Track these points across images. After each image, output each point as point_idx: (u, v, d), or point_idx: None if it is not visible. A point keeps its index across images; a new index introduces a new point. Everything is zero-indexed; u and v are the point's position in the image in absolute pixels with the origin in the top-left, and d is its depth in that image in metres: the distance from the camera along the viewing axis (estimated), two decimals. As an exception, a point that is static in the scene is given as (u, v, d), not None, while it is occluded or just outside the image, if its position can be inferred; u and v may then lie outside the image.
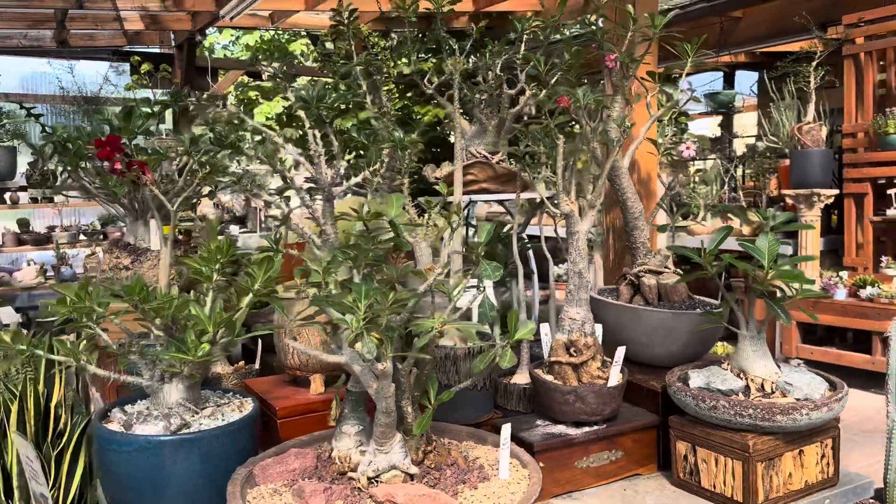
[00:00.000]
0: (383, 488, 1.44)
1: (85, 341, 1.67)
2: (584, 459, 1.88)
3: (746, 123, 11.26)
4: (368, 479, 1.48)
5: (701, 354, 2.15)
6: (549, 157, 1.87)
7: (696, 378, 1.86)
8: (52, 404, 2.80)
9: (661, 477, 1.97)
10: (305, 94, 1.80)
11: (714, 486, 1.81)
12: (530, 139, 1.83)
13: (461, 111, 2.67)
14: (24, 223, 6.86)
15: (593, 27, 2.07)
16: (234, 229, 6.94)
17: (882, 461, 1.89)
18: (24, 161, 5.77)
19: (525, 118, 2.64)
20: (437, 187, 2.15)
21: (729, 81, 9.84)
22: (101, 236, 6.90)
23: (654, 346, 2.06)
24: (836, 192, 5.62)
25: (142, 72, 7.25)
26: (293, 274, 2.11)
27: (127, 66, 8.37)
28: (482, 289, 1.76)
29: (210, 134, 2.22)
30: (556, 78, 2.17)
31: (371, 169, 1.98)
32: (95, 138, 2.00)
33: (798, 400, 1.76)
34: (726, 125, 10.50)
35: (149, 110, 2.43)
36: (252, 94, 7.91)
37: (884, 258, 5.58)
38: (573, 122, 2.10)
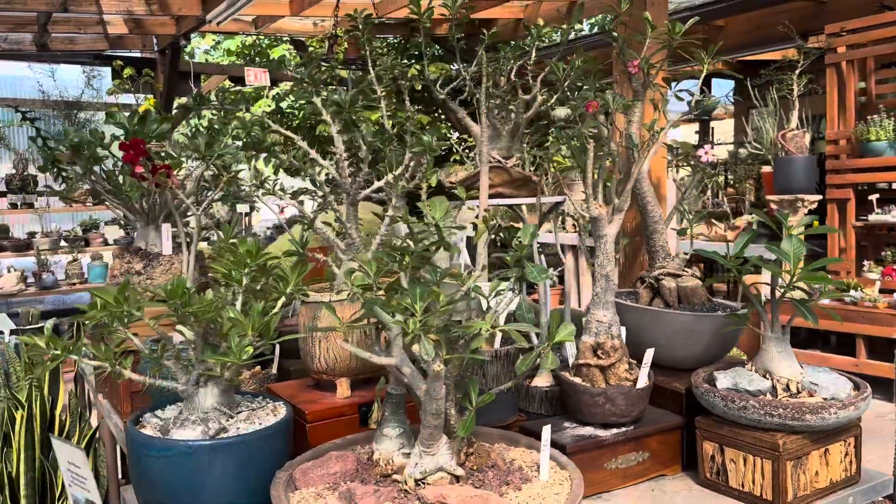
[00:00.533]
0: (433, 490, 1.44)
1: (117, 345, 1.65)
2: (612, 461, 1.90)
3: (722, 131, 11.42)
4: (415, 481, 1.48)
5: (720, 356, 2.18)
6: (579, 161, 1.89)
7: (723, 379, 1.89)
8: (57, 411, 2.76)
9: (686, 477, 1.99)
10: (339, 98, 1.80)
11: (742, 485, 1.84)
12: (560, 144, 1.85)
13: (468, 116, 2.69)
14: (3, 229, 6.75)
15: (614, 33, 2.09)
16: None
17: (886, 458, 1.93)
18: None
19: (534, 123, 2.67)
20: (454, 192, 2.17)
21: (706, 89, 9.99)
22: (83, 242, 6.81)
23: (676, 349, 2.09)
24: (819, 197, 5.73)
25: (124, 76, 7.18)
26: (313, 277, 2.11)
27: (102, 71, 8.29)
28: (517, 291, 1.77)
29: (230, 138, 2.22)
30: (570, 83, 2.21)
31: (395, 173, 1.99)
32: (120, 142, 1.98)
33: (825, 399, 1.80)
34: (704, 132, 10.64)
35: (163, 114, 2.42)
36: (233, 95, 7.83)
37: (866, 262, 5.70)
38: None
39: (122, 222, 6.94)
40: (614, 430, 1.91)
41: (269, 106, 9.25)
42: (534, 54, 2.52)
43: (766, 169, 6.21)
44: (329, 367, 2.00)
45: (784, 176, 5.71)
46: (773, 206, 5.81)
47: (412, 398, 1.61)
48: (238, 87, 8.59)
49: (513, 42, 2.54)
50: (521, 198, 2.54)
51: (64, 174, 2.60)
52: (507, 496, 1.50)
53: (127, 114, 2.45)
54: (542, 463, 1.60)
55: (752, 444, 1.81)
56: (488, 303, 1.62)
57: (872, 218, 5.65)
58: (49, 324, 1.65)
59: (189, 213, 2.62)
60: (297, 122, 8.88)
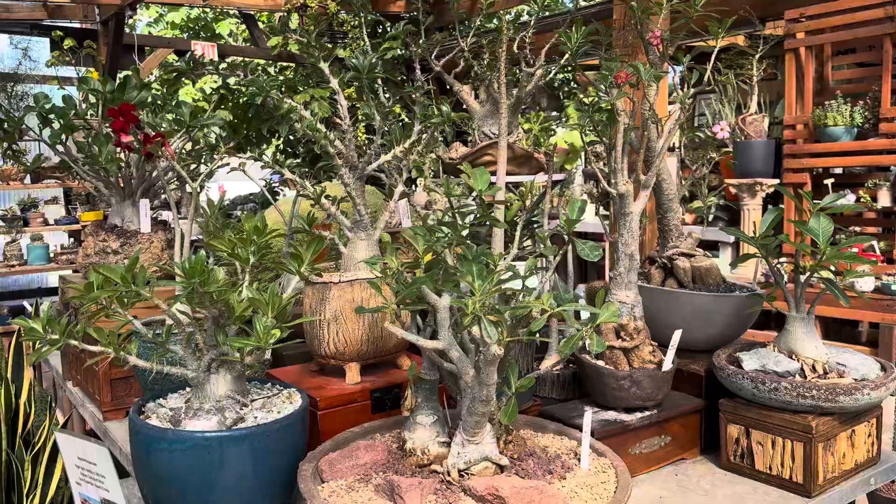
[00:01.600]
0: (482, 481, 1.35)
1: (120, 329, 1.50)
2: (637, 446, 1.84)
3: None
4: (459, 471, 1.39)
5: (736, 338, 2.14)
6: (605, 135, 1.80)
7: (749, 361, 1.85)
8: (22, 400, 2.57)
9: (705, 461, 1.95)
10: (357, 62, 1.67)
11: (770, 468, 1.80)
12: (586, 117, 1.76)
13: (464, 90, 2.59)
14: (-64, 208, 6.36)
15: (632, 2, 2.01)
16: (167, 215, 6.63)
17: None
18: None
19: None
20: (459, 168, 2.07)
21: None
22: (22, 222, 6.47)
23: (693, 330, 2.04)
24: (777, 181, 5.81)
25: (64, 48, 6.82)
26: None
27: (31, 43, 7.86)
28: (551, 269, 1.69)
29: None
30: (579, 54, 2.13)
31: (406, 145, 1.87)
32: (110, 108, 1.81)
33: (856, 380, 1.77)
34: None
35: (143, 80, 2.24)
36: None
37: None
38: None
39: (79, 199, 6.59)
40: (639, 415, 1.85)
41: (216, 82, 8.94)
42: (531, 30, 2.44)
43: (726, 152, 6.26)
44: (338, 351, 1.89)
45: (743, 160, 5.77)
46: (732, 189, 5.87)
47: (447, 384, 1.51)
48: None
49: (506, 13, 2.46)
50: (522, 175, 2.46)
51: (14, 149, 2.40)
52: (554, 486, 1.42)
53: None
54: (583, 451, 1.53)
55: (783, 427, 1.76)
56: (524, 282, 1.53)
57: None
58: (46, 306, 1.49)
59: (171, 188, 2.45)
60: (244, 98, 8.61)
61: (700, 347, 2.08)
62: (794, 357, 1.84)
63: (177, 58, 8.26)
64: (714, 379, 1.96)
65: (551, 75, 2.45)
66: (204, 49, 7.57)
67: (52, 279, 7.84)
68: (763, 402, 1.80)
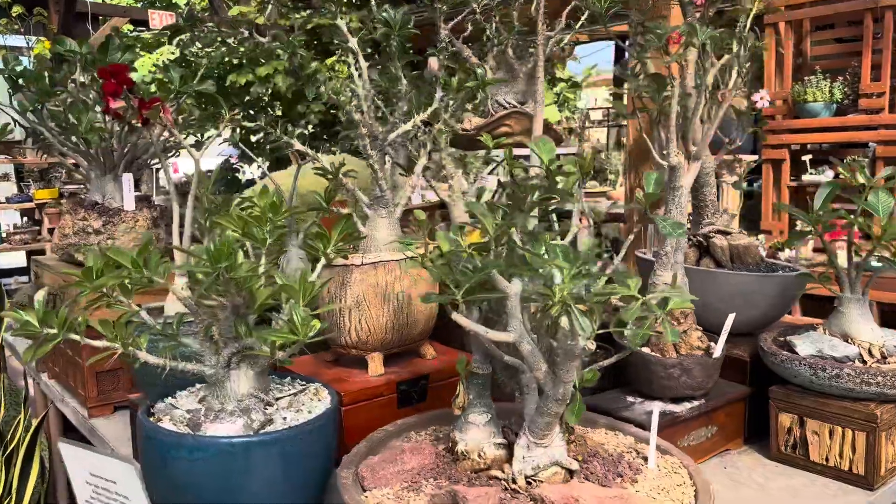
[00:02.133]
0: (554, 489, 1.20)
1: (128, 322, 1.31)
2: (685, 438, 1.71)
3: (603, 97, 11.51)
4: (526, 478, 1.23)
5: (776, 320, 2.02)
6: (656, 99, 1.65)
7: (804, 345, 1.73)
8: (-9, 397, 2.34)
9: (752, 452, 1.83)
10: (389, 15, 1.49)
11: (827, 460, 1.69)
12: (637, 83, 1.61)
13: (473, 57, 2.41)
14: None
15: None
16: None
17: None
18: None
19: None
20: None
21: (620, 52, 9.96)
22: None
23: (731, 312, 1.91)
24: (756, 157, 5.75)
25: (13, 15, 6.43)
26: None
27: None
28: (623, 251, 1.54)
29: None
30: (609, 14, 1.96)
31: (428, 112, 1.70)
32: (100, 68, 1.59)
33: (920, 365, 1.66)
34: (620, 95, 10.66)
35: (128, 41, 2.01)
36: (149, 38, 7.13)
37: (798, 222, 5.77)
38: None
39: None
40: (687, 405, 1.72)
41: (173, 53, 8.57)
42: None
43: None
44: (361, 340, 1.71)
45: (723, 136, 5.69)
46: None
47: (502, 379, 1.36)
48: (137, 32, 7.89)
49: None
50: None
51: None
52: (630, 491, 1.27)
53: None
54: (650, 450, 1.38)
55: (843, 416, 1.65)
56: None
57: (805, 178, 5.73)
58: (40, 295, 1.30)
59: (152, 162, 2.24)
60: (201, 70, 8.26)
61: (740, 330, 1.95)
62: (849, 341, 1.72)
63: (132, 27, 7.88)
64: (759, 365, 1.84)
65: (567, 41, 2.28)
66: (161, 18, 7.22)
67: (3, 260, 7.45)
68: (821, 389, 1.68)
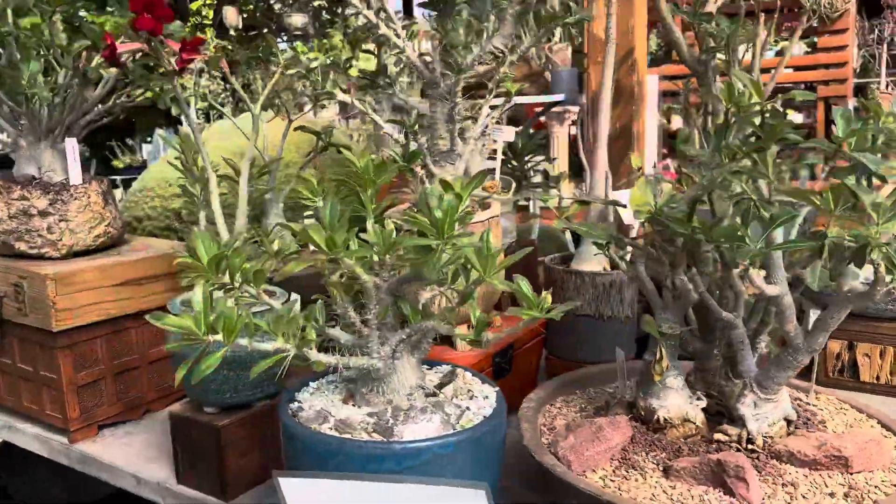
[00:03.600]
0: (804, 443, 1.14)
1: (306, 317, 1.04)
2: (761, 375, 1.73)
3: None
4: (763, 437, 1.16)
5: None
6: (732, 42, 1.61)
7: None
8: None
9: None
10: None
11: (878, 378, 1.80)
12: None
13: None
14: None
15: None
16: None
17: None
18: None
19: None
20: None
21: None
22: None
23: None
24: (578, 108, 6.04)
25: None
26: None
27: None
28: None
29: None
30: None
31: (525, 47, 1.54)
32: (136, -4, 1.21)
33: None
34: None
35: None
36: None
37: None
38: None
39: None
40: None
41: None
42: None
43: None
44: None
45: (552, 89, 5.89)
46: (542, 119, 5.98)
47: (685, 338, 1.27)
48: None
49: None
50: (531, 94, 2.18)
51: None
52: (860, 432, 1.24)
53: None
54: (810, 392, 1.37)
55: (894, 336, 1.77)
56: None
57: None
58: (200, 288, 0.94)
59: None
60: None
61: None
62: (885, 266, 1.84)
63: None
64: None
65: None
66: None
67: None
68: (871, 313, 1.78)
